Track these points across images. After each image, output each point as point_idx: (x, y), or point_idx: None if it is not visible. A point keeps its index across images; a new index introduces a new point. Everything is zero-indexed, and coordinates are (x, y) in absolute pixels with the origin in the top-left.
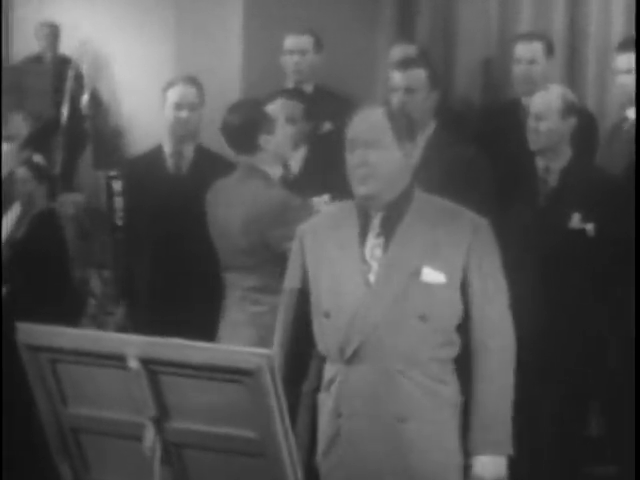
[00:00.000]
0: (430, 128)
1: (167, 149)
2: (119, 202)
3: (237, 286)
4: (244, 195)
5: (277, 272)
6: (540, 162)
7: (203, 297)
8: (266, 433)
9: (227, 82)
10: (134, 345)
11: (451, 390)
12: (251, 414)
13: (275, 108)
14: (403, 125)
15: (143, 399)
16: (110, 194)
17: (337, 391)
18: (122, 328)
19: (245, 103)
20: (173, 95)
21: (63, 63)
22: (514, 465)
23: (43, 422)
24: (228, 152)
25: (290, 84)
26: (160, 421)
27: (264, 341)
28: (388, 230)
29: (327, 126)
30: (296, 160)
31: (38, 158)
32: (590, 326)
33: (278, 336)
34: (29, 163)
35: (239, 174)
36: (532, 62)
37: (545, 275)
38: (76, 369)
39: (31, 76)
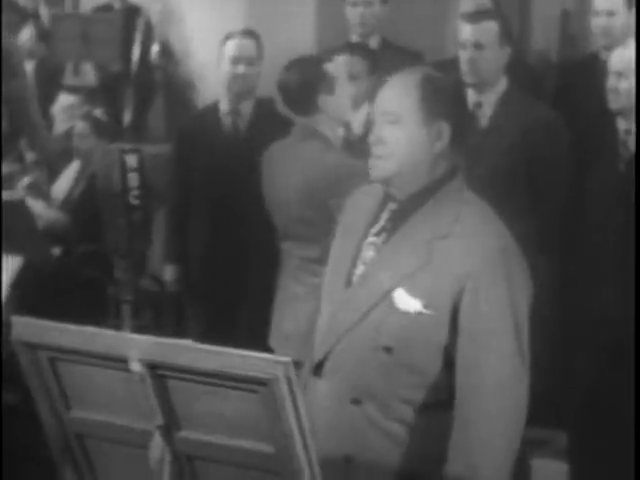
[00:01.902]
0: (501, 86)
1: (223, 107)
2: (134, 179)
3: (293, 255)
4: (301, 159)
5: None
6: (621, 124)
7: (259, 264)
8: (283, 448)
9: (300, 34)
10: (137, 346)
11: (416, 437)
12: (267, 427)
13: (337, 66)
14: (436, 98)
15: (149, 405)
16: (124, 170)
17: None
18: (175, 293)
19: (303, 60)
20: (230, 48)
21: (133, 12)
22: None
23: (44, 425)
24: None
25: (355, 37)
26: (169, 430)
27: None
28: (391, 229)
29: None
30: (358, 120)
31: (99, 113)
32: None
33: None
34: (89, 117)
35: (295, 136)
36: (612, 14)
37: (625, 246)
38: (78, 369)
39: (99, 25)
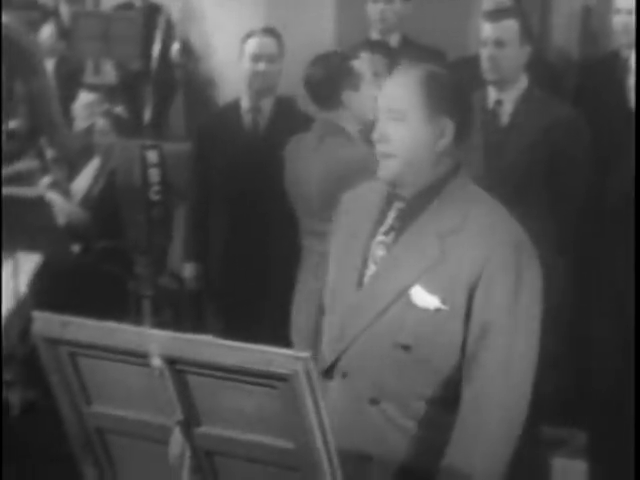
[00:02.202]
0: (522, 84)
1: (244, 104)
2: (155, 175)
3: (314, 252)
4: (323, 153)
5: None
6: None
7: (279, 262)
8: (303, 444)
9: (320, 32)
10: (157, 341)
11: (435, 435)
12: (287, 422)
13: (362, 63)
14: (440, 95)
15: (169, 401)
16: (145, 166)
17: None
18: (194, 291)
19: (330, 55)
20: (251, 46)
21: (153, 10)
22: None
23: (64, 420)
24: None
25: (375, 34)
26: (189, 425)
27: None
28: (400, 227)
29: None
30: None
31: (119, 110)
32: None
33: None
34: (109, 114)
35: (316, 131)
36: (633, 12)
37: None
38: (98, 364)
39: (120, 23)
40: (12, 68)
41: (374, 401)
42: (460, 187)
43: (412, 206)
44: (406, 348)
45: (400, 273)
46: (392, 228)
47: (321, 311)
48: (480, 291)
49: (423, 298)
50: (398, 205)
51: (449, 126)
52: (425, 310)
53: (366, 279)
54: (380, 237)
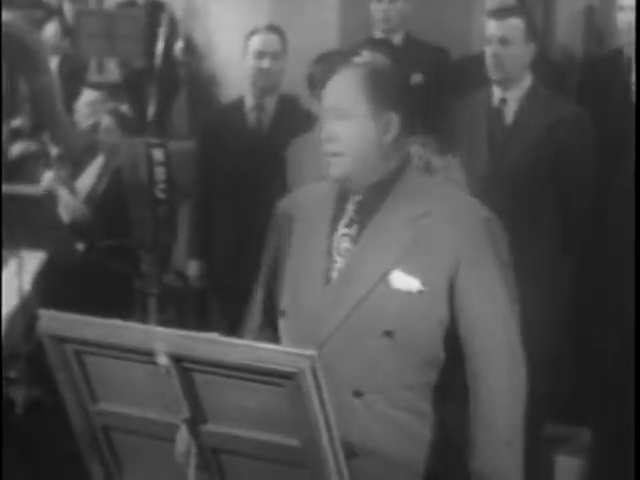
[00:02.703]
0: (526, 82)
1: (248, 102)
2: (161, 173)
3: None
4: None
5: None
6: None
7: None
8: (309, 442)
9: (323, 30)
10: (163, 339)
11: (422, 424)
12: (293, 420)
13: (364, 60)
14: (383, 90)
15: (175, 398)
16: (151, 164)
17: None
18: (198, 290)
19: (332, 54)
20: (255, 43)
21: (156, 8)
22: None
23: (70, 418)
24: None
25: (378, 33)
26: (195, 423)
27: None
28: (362, 219)
29: (417, 78)
30: None
31: (125, 108)
32: None
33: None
34: (114, 112)
35: (319, 129)
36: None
37: None
38: (104, 362)
39: (123, 21)
40: (15, 66)
41: (357, 393)
42: (415, 177)
43: (370, 198)
44: (389, 334)
45: (375, 261)
46: (353, 221)
47: (279, 314)
48: (462, 272)
49: (404, 281)
50: (356, 198)
51: (394, 120)
52: (407, 293)
53: (334, 273)
54: (343, 230)
